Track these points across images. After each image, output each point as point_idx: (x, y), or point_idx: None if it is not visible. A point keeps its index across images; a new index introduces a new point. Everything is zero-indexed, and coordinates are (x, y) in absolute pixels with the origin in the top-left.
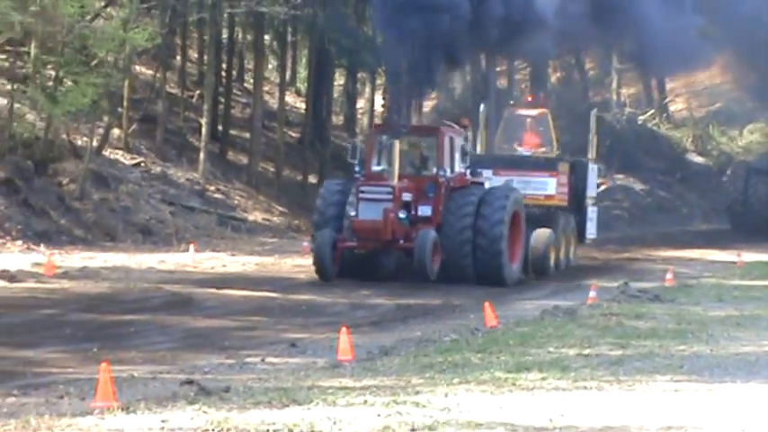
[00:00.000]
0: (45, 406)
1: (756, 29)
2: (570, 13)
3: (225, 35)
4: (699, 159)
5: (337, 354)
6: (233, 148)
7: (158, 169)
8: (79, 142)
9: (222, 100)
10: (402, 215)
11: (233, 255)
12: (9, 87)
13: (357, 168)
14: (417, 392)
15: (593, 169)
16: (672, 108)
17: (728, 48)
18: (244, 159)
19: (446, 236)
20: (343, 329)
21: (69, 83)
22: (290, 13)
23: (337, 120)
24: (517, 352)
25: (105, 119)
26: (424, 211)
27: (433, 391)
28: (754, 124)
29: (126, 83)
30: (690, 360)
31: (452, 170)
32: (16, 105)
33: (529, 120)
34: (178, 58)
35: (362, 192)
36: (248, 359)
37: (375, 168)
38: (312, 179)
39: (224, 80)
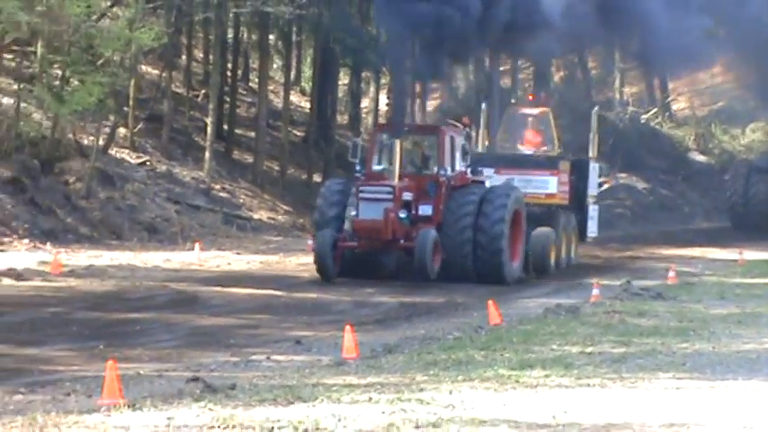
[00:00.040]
0: (52, 403)
1: (761, 29)
2: (576, 14)
3: (230, 35)
4: (701, 158)
5: (342, 351)
6: (238, 147)
7: (164, 168)
8: (85, 141)
9: (227, 99)
10: (402, 215)
11: (238, 253)
12: (16, 87)
13: (358, 168)
14: (421, 390)
15: (594, 168)
16: (674, 107)
17: (733, 48)
18: (249, 158)
19: (446, 235)
20: (348, 327)
21: (76, 82)
22: (295, 13)
23: (342, 119)
24: (520, 349)
25: (111, 118)
26: (425, 210)
27: (437, 389)
28: (756, 123)
29: (132, 82)
30: (692, 357)
31: (453, 169)
32: (23, 105)
33: (530, 118)
34: (184, 57)
35: (363, 191)
36: (253, 357)
37: (376, 168)
38: (317, 178)
39: (229, 80)
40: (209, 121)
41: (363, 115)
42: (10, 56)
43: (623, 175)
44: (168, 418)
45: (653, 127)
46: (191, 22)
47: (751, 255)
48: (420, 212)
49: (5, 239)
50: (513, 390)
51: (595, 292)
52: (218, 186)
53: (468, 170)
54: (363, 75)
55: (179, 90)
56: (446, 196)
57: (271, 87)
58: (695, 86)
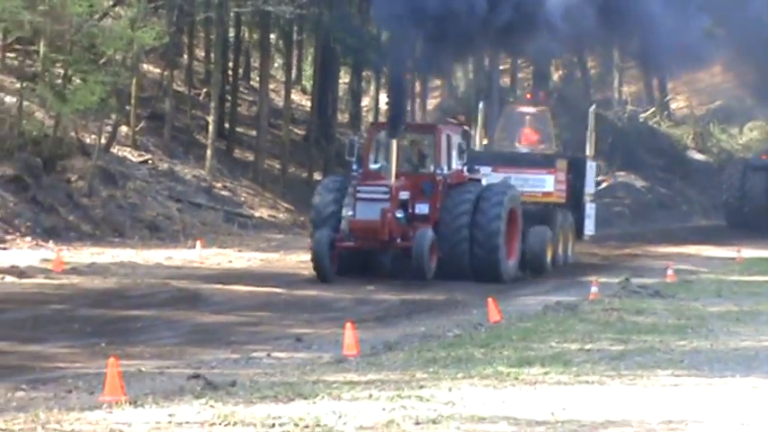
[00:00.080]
0: (54, 400)
1: (761, 29)
2: (577, 15)
3: (231, 34)
4: (699, 156)
5: (342, 349)
6: (239, 146)
7: (165, 166)
8: (87, 140)
9: (229, 98)
10: (399, 215)
11: (239, 251)
12: (18, 85)
13: (355, 166)
14: (421, 387)
15: (591, 166)
16: (673, 106)
17: (733, 47)
18: (250, 156)
19: (443, 234)
20: (348, 325)
21: (78, 81)
22: (296, 13)
23: (342, 117)
24: (520, 347)
25: (113, 116)
26: (421, 209)
27: (436, 386)
28: (753, 122)
29: (134, 81)
30: (690, 355)
31: (450, 167)
32: (25, 103)
33: (528, 117)
34: (185, 56)
35: (360, 191)
36: (254, 354)
37: (373, 166)
38: (317, 176)
39: (230, 78)
40: (210, 119)
41: (364, 114)
42: (13, 55)
43: (622, 173)
44: (169, 415)
45: (651, 126)
46: (192, 22)
47: (749, 252)
48: (417, 211)
49: (8, 237)
50: (512, 387)
51: (594, 289)
52: (219, 184)
53: (465, 168)
54: (364, 74)
55: (180, 89)
56: (443, 195)
57: (272, 86)
58: (694, 85)
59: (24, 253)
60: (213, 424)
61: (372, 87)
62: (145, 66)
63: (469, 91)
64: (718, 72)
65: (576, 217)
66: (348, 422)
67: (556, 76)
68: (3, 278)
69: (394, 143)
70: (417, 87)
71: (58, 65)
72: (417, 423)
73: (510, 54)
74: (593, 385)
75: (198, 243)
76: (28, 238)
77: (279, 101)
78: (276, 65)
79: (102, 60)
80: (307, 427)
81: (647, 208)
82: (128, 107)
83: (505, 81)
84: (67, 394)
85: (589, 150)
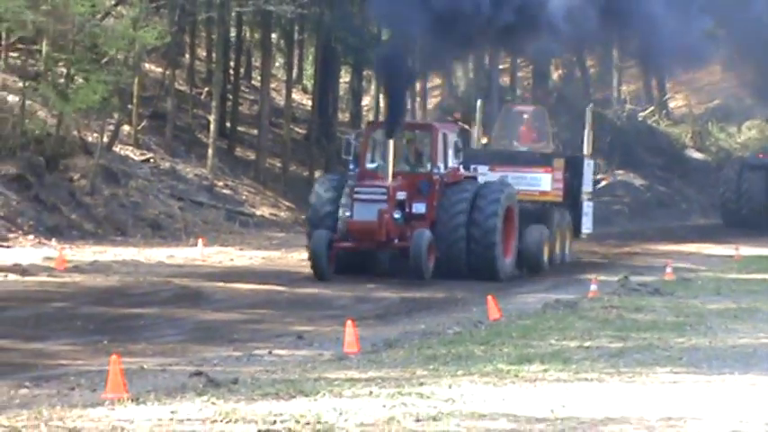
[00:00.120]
0: (56, 397)
1: (762, 29)
2: (580, 17)
3: (233, 33)
4: (698, 155)
5: (343, 346)
6: (241, 145)
7: (167, 165)
8: (90, 139)
9: (230, 97)
10: (397, 215)
11: (241, 249)
12: (21, 85)
13: (351, 165)
14: (422, 384)
15: (588, 165)
16: (671, 105)
17: (733, 47)
18: (251, 155)
19: (440, 233)
20: (349, 322)
21: (80, 80)
22: (297, 12)
23: (343, 116)
24: (519, 344)
25: (115, 116)
26: (418, 208)
27: (437, 383)
28: (752, 121)
29: (136, 80)
30: (689, 352)
31: (446, 166)
32: (28, 102)
33: (525, 116)
34: (187, 56)
35: (357, 192)
36: (256, 351)
37: (369, 165)
38: (318, 175)
39: (232, 78)
40: (211, 118)
41: (364, 113)
42: (15, 54)
43: (621, 172)
44: (171, 412)
45: (650, 124)
46: (194, 21)
47: (747, 251)
48: (414, 210)
49: (11, 235)
50: (512, 384)
51: (593, 287)
52: (220, 183)
53: (461, 166)
54: (364, 73)
55: (182, 88)
56: (439, 194)
57: (273, 85)
58: (692, 84)
59: (27, 251)
60: (215, 421)
61: (373, 87)
62: (147, 65)
63: (470, 90)
64: (717, 71)
65: (574, 215)
66: (349, 419)
67: (555, 76)
68: (6, 276)
69: (391, 143)
70: (417, 87)
71: (60, 64)
72: (418, 420)
73: (510, 53)
74: (593, 382)
75: (200, 241)
76: (31, 237)
77: (280, 100)
78: (277, 64)
79: (105, 60)
80: (308, 423)
81: (646, 206)
82: (130, 106)
83: (505, 80)
84: (70, 391)
85: (586, 149)
